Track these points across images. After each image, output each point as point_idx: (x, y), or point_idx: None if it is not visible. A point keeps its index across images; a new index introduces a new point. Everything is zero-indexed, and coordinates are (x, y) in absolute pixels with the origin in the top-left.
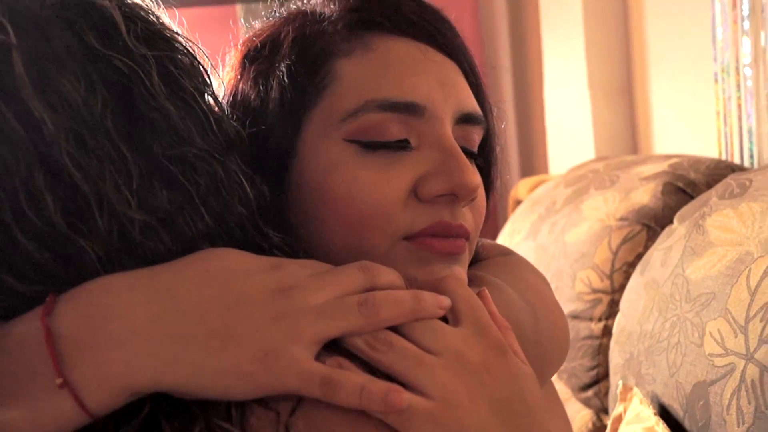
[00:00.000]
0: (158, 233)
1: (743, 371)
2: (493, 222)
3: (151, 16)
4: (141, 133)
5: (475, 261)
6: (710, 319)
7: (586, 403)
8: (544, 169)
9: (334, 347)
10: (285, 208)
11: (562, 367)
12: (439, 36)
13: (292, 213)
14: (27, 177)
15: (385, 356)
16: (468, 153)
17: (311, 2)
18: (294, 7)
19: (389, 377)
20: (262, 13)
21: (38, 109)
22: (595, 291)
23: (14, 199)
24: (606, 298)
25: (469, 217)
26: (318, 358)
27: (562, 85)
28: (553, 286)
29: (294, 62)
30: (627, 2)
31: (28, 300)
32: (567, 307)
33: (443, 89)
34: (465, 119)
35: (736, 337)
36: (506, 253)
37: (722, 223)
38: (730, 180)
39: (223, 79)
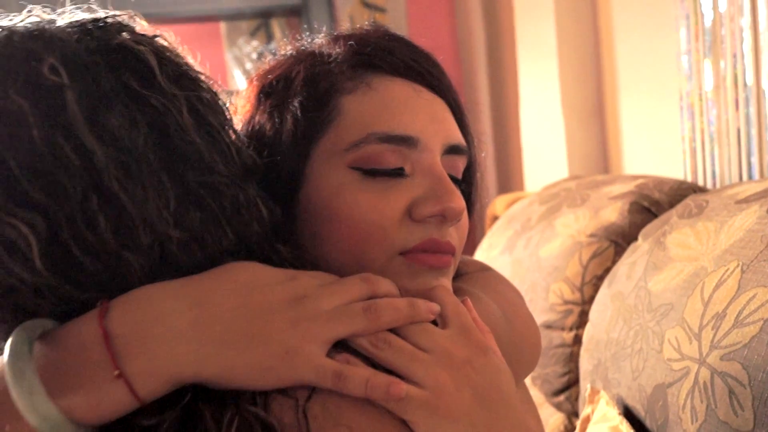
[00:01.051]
0: (191, 248)
1: (697, 374)
2: (472, 236)
3: (179, 58)
4: (176, 162)
5: (458, 275)
6: (669, 328)
7: (558, 407)
8: (520, 187)
9: (342, 346)
10: (294, 226)
11: (535, 374)
12: (430, 77)
13: (301, 230)
14: (83, 200)
15: (385, 353)
16: (454, 180)
17: (316, 43)
18: (301, 47)
19: (388, 371)
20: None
21: (90, 142)
22: (566, 302)
23: (71, 220)
24: (577, 309)
25: (455, 236)
26: (329, 355)
27: (538, 107)
28: (527, 298)
29: (305, 98)
30: (598, 30)
31: (82, 304)
32: (541, 317)
33: (433, 124)
34: (451, 150)
35: (690, 343)
36: (485, 269)
37: (681, 241)
38: (689, 201)
39: (238, 102)
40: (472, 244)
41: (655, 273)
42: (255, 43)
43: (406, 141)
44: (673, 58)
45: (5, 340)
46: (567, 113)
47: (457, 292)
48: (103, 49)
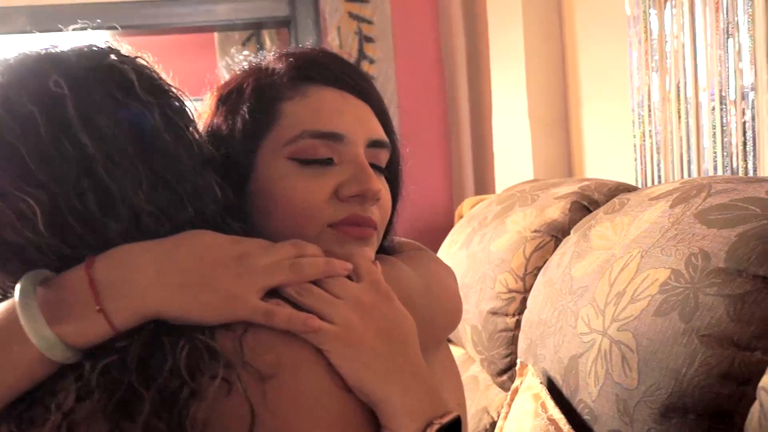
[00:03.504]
0: (159, 219)
1: (600, 344)
2: (443, 235)
3: (154, 74)
4: (148, 153)
5: (393, 253)
6: (582, 306)
7: (502, 386)
8: (493, 189)
9: (275, 294)
10: (246, 206)
11: (483, 356)
12: (357, 86)
13: (251, 209)
14: (76, 181)
15: (306, 299)
16: (377, 168)
17: (266, 59)
18: (254, 62)
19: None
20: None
21: (83, 137)
22: (510, 291)
23: (67, 196)
24: (519, 297)
25: (377, 213)
26: (264, 300)
27: (507, 115)
28: (478, 288)
29: (253, 104)
30: (564, 44)
31: (74, 260)
32: (489, 304)
33: (358, 123)
34: (374, 144)
35: (597, 318)
36: (419, 249)
37: (601, 233)
38: (616, 199)
39: (201, 109)
40: (440, 241)
41: (578, 261)
42: (246, 52)
43: (333, 137)
44: (626, 72)
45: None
46: (533, 121)
47: (381, 260)
48: (95, 67)
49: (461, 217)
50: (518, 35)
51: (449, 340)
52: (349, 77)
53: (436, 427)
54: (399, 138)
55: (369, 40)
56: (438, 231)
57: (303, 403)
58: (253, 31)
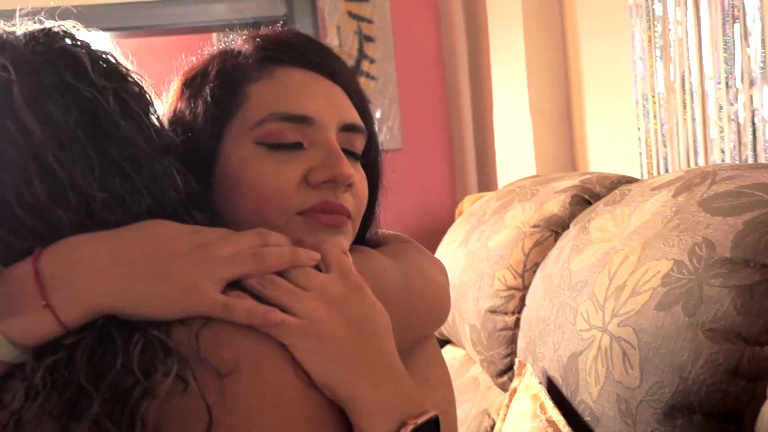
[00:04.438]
0: (113, 208)
1: (600, 341)
2: (445, 233)
3: (110, 57)
4: (101, 139)
5: (376, 245)
6: (582, 302)
7: (503, 387)
8: (495, 186)
9: (238, 287)
10: (211, 195)
11: (482, 356)
12: (328, 67)
13: (217, 198)
14: (23, 168)
15: (269, 291)
16: (351, 154)
17: (235, 42)
18: (222, 46)
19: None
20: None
21: (30, 124)
22: (509, 288)
23: (14, 183)
24: (518, 294)
25: (351, 201)
26: (225, 293)
27: (509, 111)
28: (476, 286)
29: (217, 87)
30: (566, 37)
31: (22, 252)
32: (487, 302)
33: (329, 106)
34: (347, 128)
35: (597, 314)
36: (405, 241)
37: (601, 225)
38: (617, 190)
39: (168, 99)
40: (441, 239)
41: (577, 255)
42: None
43: (302, 119)
44: (629, 62)
45: None
46: (534, 116)
47: (357, 251)
48: (46, 51)
49: (461, 214)
50: (518, 29)
51: (449, 341)
52: (320, 58)
53: (410, 427)
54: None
55: (369, 39)
56: (441, 230)
57: (265, 402)
58: (250, 30)
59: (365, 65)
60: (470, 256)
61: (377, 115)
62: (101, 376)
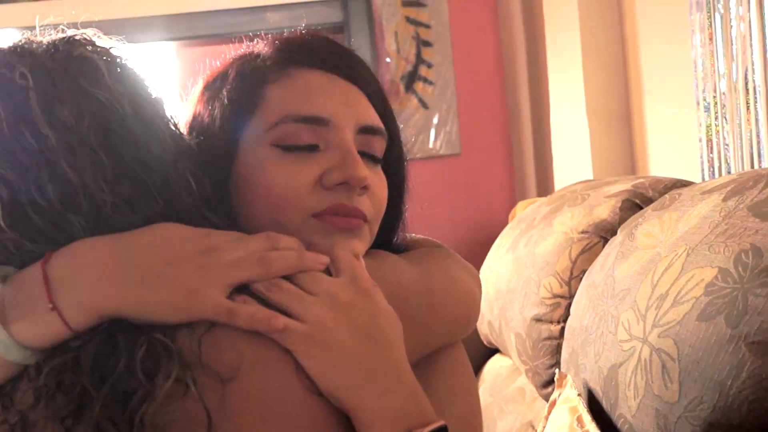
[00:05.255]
0: (125, 212)
1: (640, 352)
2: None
3: (128, 63)
4: (114, 144)
5: (404, 250)
6: (623, 311)
7: (547, 398)
8: (553, 191)
9: (246, 292)
10: (228, 196)
11: (527, 366)
12: (345, 68)
13: (235, 201)
14: (37, 173)
15: (275, 295)
16: (370, 157)
17: (256, 46)
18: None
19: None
20: None
21: (44, 129)
22: (555, 296)
23: (28, 188)
24: (564, 303)
25: (367, 204)
26: (232, 297)
27: (565, 113)
28: (522, 293)
29: (234, 89)
30: (624, 37)
31: (35, 256)
32: (532, 310)
33: (346, 107)
34: (365, 130)
35: (638, 324)
36: (435, 246)
37: (647, 231)
38: (668, 194)
39: (189, 103)
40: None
41: (622, 262)
42: None
43: (318, 121)
44: (689, 61)
45: None
46: (592, 118)
47: (371, 254)
48: (65, 58)
49: (513, 219)
50: (574, 28)
51: (497, 350)
52: (336, 58)
53: None
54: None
55: (427, 44)
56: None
57: (267, 408)
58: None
59: (423, 70)
60: (517, 262)
61: (434, 120)
62: (104, 378)
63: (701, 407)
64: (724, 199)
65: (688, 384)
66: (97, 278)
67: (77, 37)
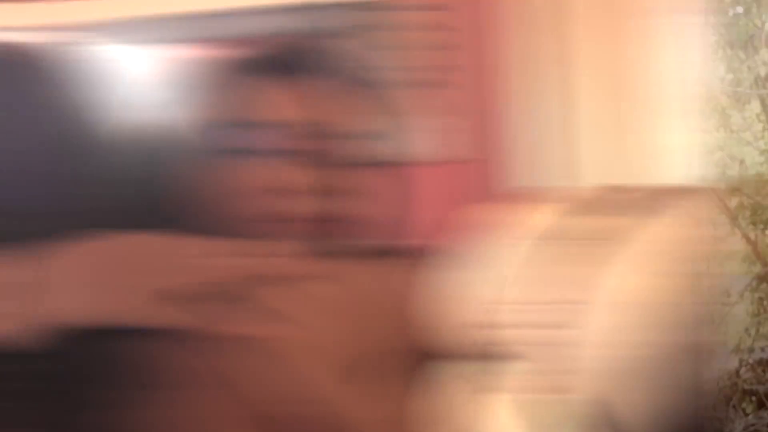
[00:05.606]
0: (104, 218)
1: None
2: None
3: (123, 68)
4: (96, 149)
5: (398, 255)
6: None
7: None
8: None
9: (213, 297)
10: (209, 201)
11: None
12: (314, 71)
13: (213, 203)
14: (19, 178)
15: (244, 303)
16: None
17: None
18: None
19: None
20: None
21: (26, 135)
22: None
23: (9, 194)
24: None
25: (346, 208)
26: (202, 302)
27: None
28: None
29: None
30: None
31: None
32: None
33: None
34: (333, 133)
35: None
36: (428, 252)
37: None
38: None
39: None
40: None
41: None
42: None
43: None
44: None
45: None
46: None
47: (350, 260)
48: (61, 63)
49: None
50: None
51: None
52: (304, 62)
53: None
54: None
55: (448, 48)
56: None
57: (241, 415)
58: None
59: (444, 74)
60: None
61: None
62: (83, 385)
63: None
64: None
65: None
66: (67, 286)
67: (76, 43)
